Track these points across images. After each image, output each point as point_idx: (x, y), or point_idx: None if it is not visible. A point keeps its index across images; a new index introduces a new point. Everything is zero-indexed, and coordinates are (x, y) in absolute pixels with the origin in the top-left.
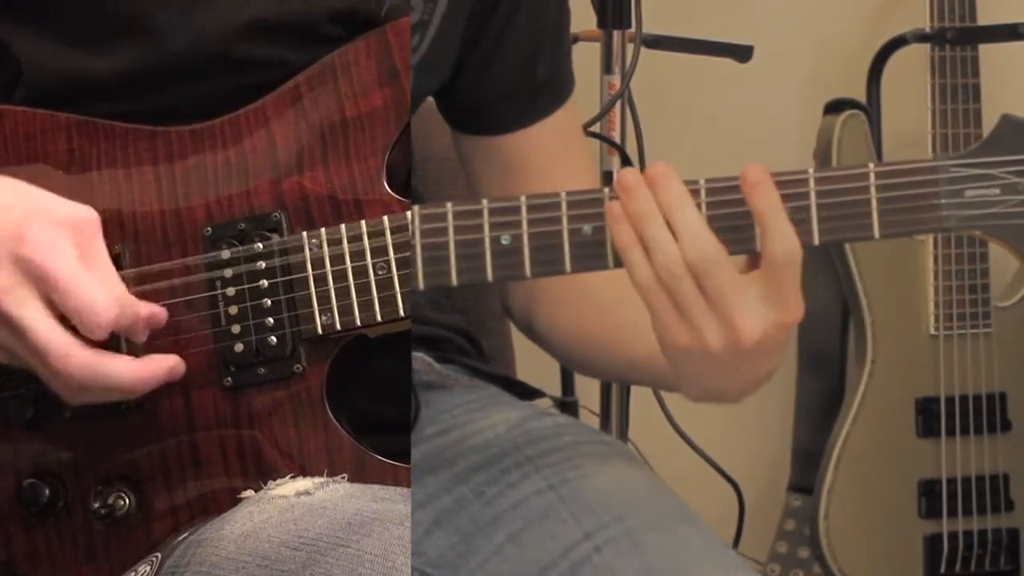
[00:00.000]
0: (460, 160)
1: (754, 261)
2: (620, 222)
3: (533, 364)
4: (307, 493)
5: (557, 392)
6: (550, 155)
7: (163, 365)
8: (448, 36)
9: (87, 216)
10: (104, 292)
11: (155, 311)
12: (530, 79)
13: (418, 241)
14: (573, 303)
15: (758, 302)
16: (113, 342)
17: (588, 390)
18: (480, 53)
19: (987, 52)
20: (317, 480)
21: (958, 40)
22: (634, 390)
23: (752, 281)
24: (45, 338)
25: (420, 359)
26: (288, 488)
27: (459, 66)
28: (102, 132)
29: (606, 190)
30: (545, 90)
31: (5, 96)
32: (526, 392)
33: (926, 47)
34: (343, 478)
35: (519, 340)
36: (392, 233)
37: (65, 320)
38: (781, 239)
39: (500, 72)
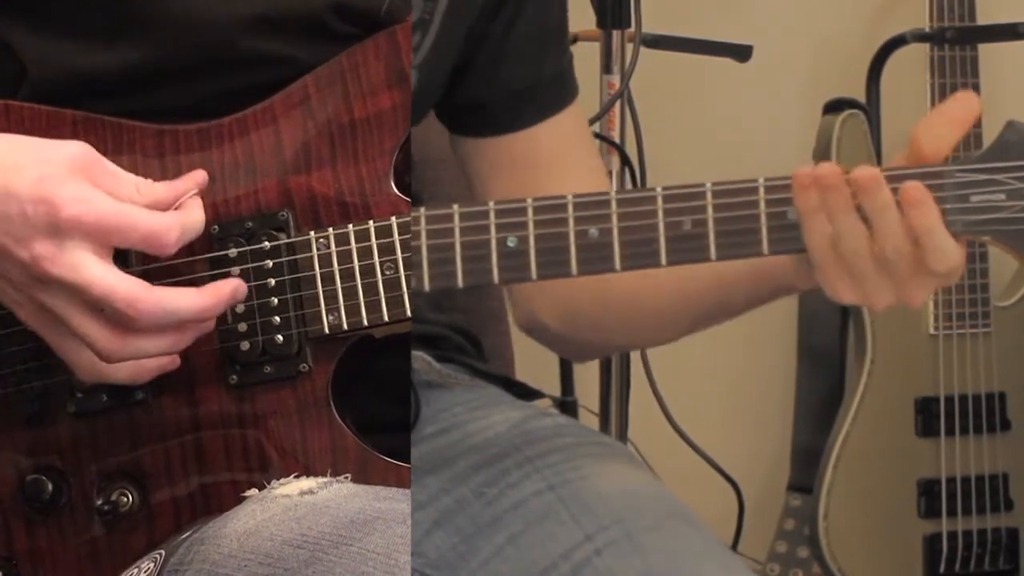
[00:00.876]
0: (459, 163)
1: None
2: (806, 189)
3: (533, 364)
4: (311, 492)
5: (557, 392)
6: (559, 153)
7: (226, 289)
8: (450, 35)
9: (84, 152)
10: (157, 214)
11: (196, 178)
12: (538, 76)
13: (424, 243)
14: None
15: (928, 276)
16: None
17: (588, 390)
18: (487, 52)
19: (987, 52)
20: (321, 479)
21: (957, 40)
22: (634, 390)
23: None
24: (108, 286)
25: (420, 358)
26: (292, 487)
27: (460, 67)
28: (109, 129)
29: (613, 193)
30: (552, 88)
31: (10, 95)
32: (525, 392)
33: (926, 47)
34: (347, 478)
35: (519, 340)
36: (400, 233)
37: None
38: (940, 257)
39: (508, 70)
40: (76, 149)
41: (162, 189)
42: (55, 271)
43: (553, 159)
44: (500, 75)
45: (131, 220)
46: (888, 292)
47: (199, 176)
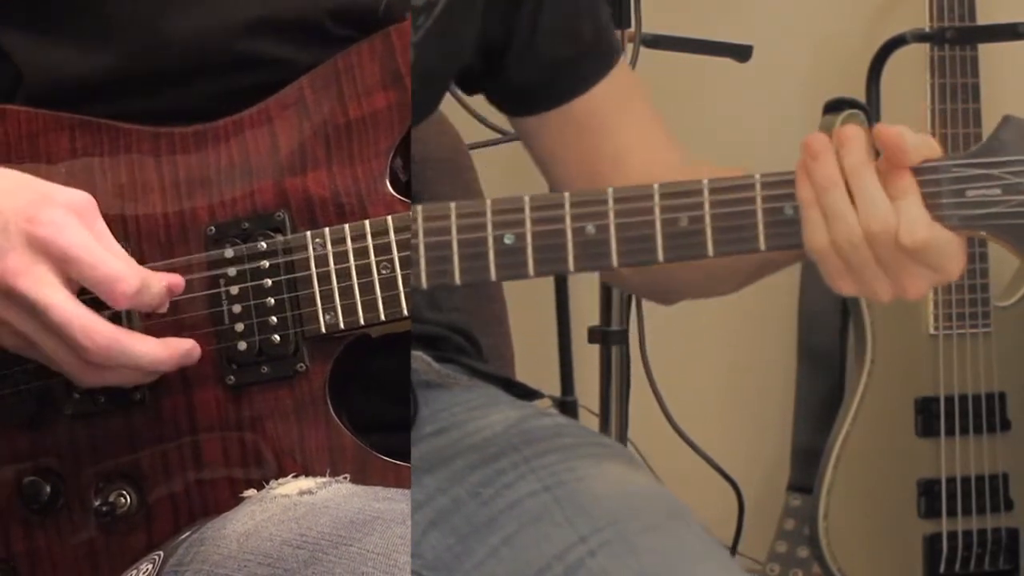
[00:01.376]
0: (526, 145)
1: None
2: (803, 180)
3: (533, 364)
4: (309, 492)
5: (557, 392)
6: (611, 116)
7: (181, 347)
8: (458, 17)
9: (85, 200)
10: (124, 263)
11: (173, 280)
12: (578, 44)
13: (421, 240)
14: None
15: (926, 269)
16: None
17: (588, 390)
18: (518, 36)
19: (987, 52)
20: (319, 479)
21: (957, 40)
22: (634, 390)
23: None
24: (66, 314)
25: (419, 358)
26: (290, 487)
27: (496, 50)
28: (105, 132)
29: (610, 190)
30: (594, 51)
31: (6, 98)
32: (525, 393)
33: (925, 47)
34: (345, 478)
35: (519, 340)
36: (396, 232)
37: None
38: (913, 229)
39: (545, 46)
40: (80, 196)
41: (133, 262)
42: (22, 286)
43: (614, 117)
44: (542, 52)
45: (96, 258)
46: (885, 283)
47: (175, 278)
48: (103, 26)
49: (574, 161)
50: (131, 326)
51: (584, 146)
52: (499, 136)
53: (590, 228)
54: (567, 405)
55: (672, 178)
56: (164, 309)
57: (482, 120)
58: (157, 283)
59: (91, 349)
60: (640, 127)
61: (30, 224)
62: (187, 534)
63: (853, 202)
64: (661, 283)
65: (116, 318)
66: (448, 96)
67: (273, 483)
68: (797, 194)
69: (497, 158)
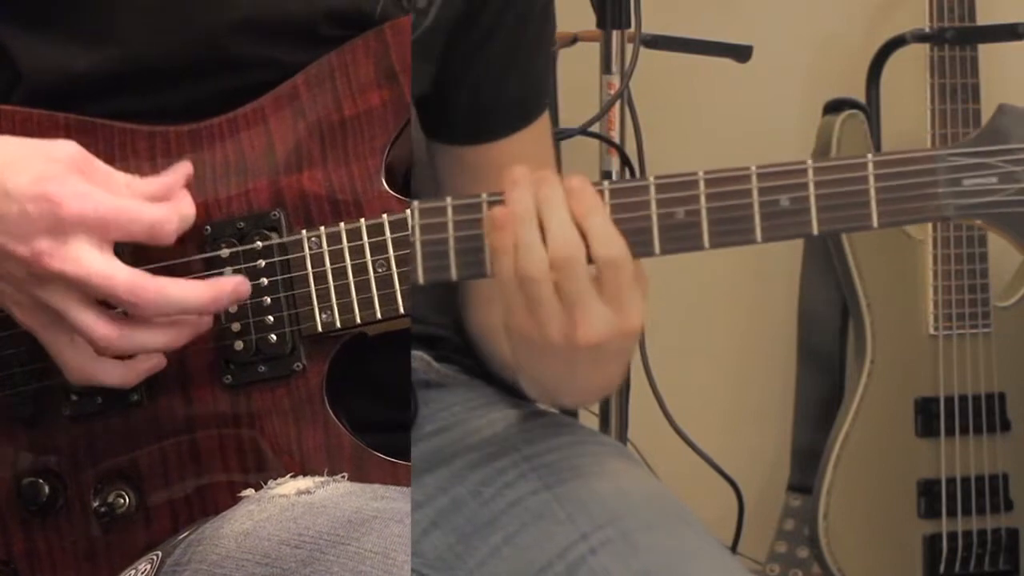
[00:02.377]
0: (433, 166)
1: None
2: (497, 229)
3: None
4: (307, 492)
5: None
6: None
7: (227, 284)
8: (430, 47)
9: (78, 151)
10: (154, 205)
11: (182, 172)
12: (500, 96)
13: (418, 236)
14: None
15: (603, 306)
16: None
17: None
18: (454, 66)
19: (986, 52)
20: (317, 479)
21: (957, 40)
22: (634, 390)
23: (600, 287)
24: (111, 276)
25: (419, 357)
26: (288, 487)
27: (435, 72)
28: (100, 131)
29: (605, 183)
30: (514, 107)
31: (3, 98)
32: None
33: (925, 47)
34: (343, 477)
35: None
36: (391, 231)
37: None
38: (603, 244)
39: (469, 87)
40: (70, 148)
41: (151, 184)
42: (56, 266)
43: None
44: (465, 88)
45: (132, 213)
46: (558, 319)
47: (185, 168)
48: (99, 26)
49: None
50: None
51: (468, 190)
52: None
53: None
54: None
55: None
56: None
57: None
58: (189, 208)
59: (138, 303)
60: None
61: (51, 204)
62: (185, 534)
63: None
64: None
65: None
66: None
67: (271, 483)
68: (490, 243)
69: None
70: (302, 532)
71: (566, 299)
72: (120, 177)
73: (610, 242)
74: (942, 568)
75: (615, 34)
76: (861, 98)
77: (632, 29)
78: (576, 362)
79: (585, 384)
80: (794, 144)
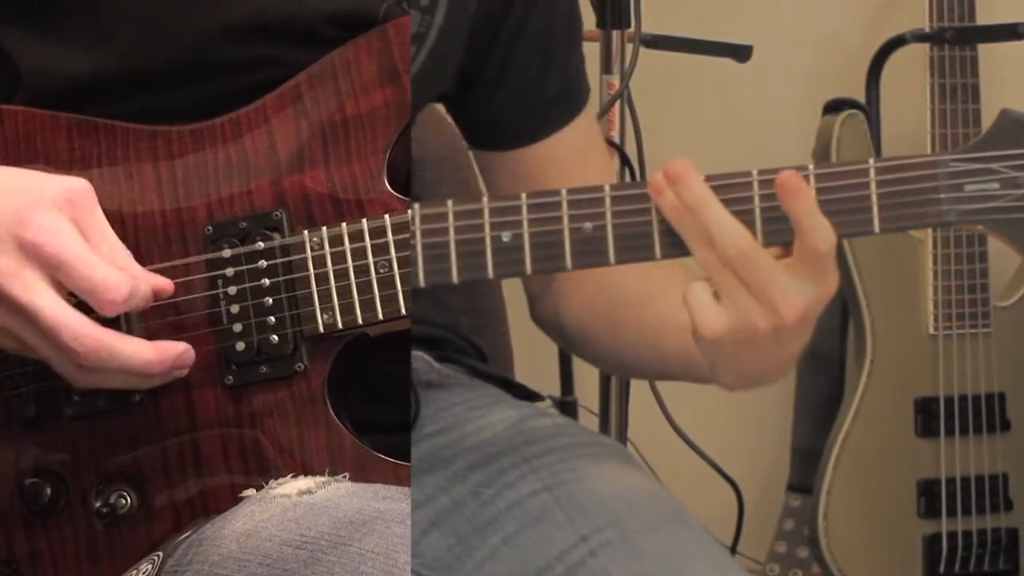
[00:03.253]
0: (482, 176)
1: (787, 249)
2: (663, 194)
3: (533, 364)
4: (309, 492)
5: (557, 392)
6: (568, 164)
7: (173, 350)
8: (445, 50)
9: (81, 187)
10: (114, 269)
11: (162, 284)
12: (541, 95)
13: (419, 239)
14: (603, 300)
15: (799, 282)
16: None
17: (588, 390)
18: (488, 72)
19: (986, 52)
20: (319, 479)
21: (957, 40)
22: (634, 390)
23: (791, 267)
24: (55, 318)
25: (420, 358)
26: (290, 487)
27: (467, 81)
28: (103, 132)
29: (607, 187)
30: (557, 104)
31: (5, 99)
32: (525, 394)
33: (925, 47)
34: (345, 477)
35: (518, 340)
36: (393, 231)
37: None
38: (821, 235)
39: (510, 90)
40: (76, 184)
41: (130, 263)
42: (11, 289)
43: (565, 168)
44: (506, 93)
45: (86, 265)
46: (758, 309)
47: (166, 283)
48: (101, 27)
49: None
50: (129, 328)
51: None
52: None
53: (588, 226)
54: (567, 405)
55: None
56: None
57: None
58: (146, 288)
59: (80, 352)
60: (591, 179)
61: (21, 228)
62: (187, 534)
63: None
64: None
65: (115, 320)
66: None
67: (272, 483)
68: (664, 211)
69: None
70: (304, 532)
71: (757, 288)
72: (110, 237)
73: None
74: (942, 568)
75: (615, 34)
76: (861, 98)
77: (632, 29)
78: (782, 342)
79: (789, 355)
80: (794, 144)
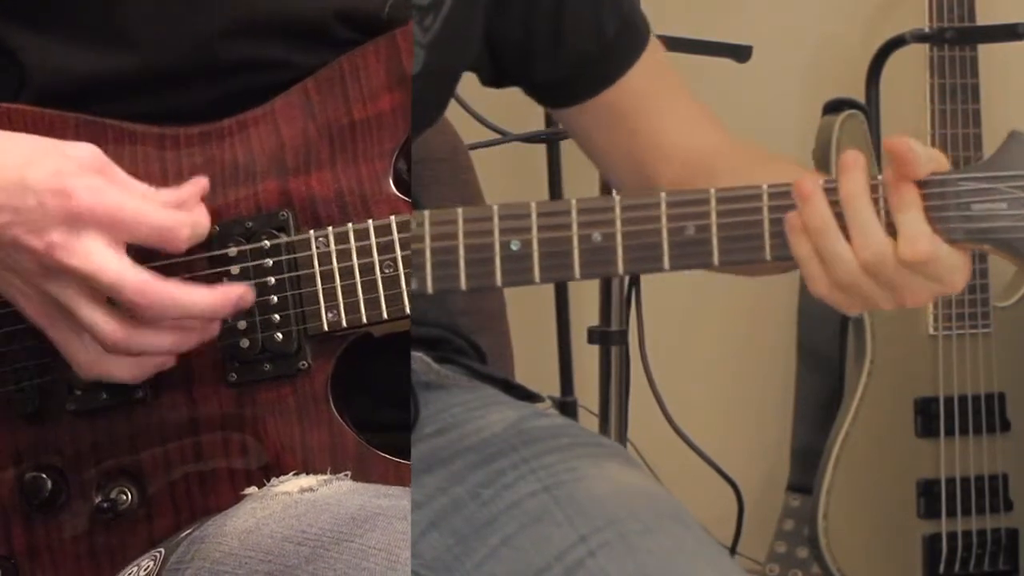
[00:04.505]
0: (571, 134)
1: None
2: (797, 233)
3: (533, 364)
4: (310, 490)
5: (557, 392)
6: (651, 92)
7: (235, 291)
8: (463, 18)
9: (96, 153)
10: (169, 211)
11: (204, 216)
12: (602, 38)
13: (428, 245)
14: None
15: (928, 280)
16: None
17: (588, 390)
18: (541, 34)
19: (986, 52)
20: (320, 477)
21: (957, 40)
22: (634, 390)
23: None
24: (118, 275)
25: (419, 359)
26: (291, 485)
27: (524, 52)
28: (111, 132)
29: (616, 197)
30: (620, 41)
31: (12, 98)
32: (525, 395)
33: (925, 47)
34: (346, 475)
35: (519, 340)
36: (399, 231)
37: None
38: (911, 244)
39: (571, 45)
40: (89, 151)
41: (167, 194)
42: (68, 260)
43: (647, 101)
44: (567, 49)
45: (144, 213)
46: (886, 298)
47: (202, 181)
48: (110, 27)
49: (613, 147)
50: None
51: (620, 132)
52: (499, 136)
53: (596, 235)
54: (567, 405)
55: (710, 160)
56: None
57: (482, 120)
58: (204, 218)
59: (145, 305)
60: (674, 107)
61: (66, 198)
62: (188, 531)
63: (847, 235)
64: None
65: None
66: None
67: (274, 480)
68: (792, 251)
69: (496, 158)
70: (305, 529)
71: (887, 286)
72: (138, 185)
73: (917, 242)
74: (942, 568)
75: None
76: (861, 98)
77: None
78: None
79: None
80: (794, 144)
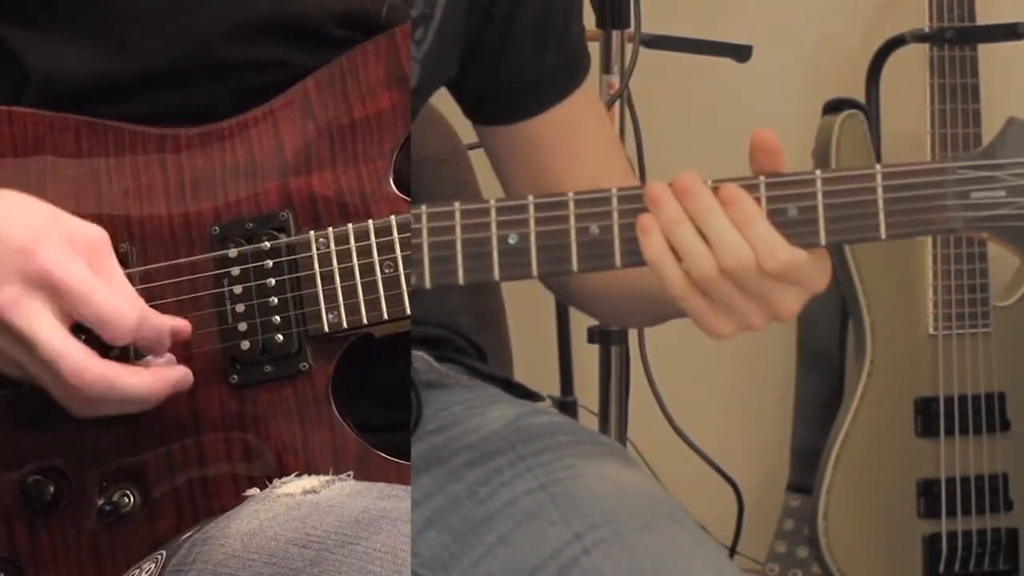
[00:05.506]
0: (485, 150)
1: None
2: (649, 233)
3: (532, 364)
4: (313, 491)
5: (557, 392)
6: (570, 133)
7: (172, 376)
8: (450, 30)
9: (97, 234)
10: (122, 299)
11: (179, 324)
12: (540, 68)
13: (425, 240)
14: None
15: (795, 287)
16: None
17: (588, 390)
18: (487, 48)
19: (986, 52)
20: (323, 478)
21: (957, 40)
22: (634, 390)
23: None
24: (57, 350)
25: (420, 358)
26: (294, 486)
27: (467, 60)
28: (111, 133)
29: (613, 190)
30: (556, 76)
31: (13, 100)
32: (525, 395)
33: (925, 47)
34: (348, 476)
35: (518, 340)
36: (399, 231)
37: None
38: (771, 255)
39: (509, 64)
40: (93, 230)
41: (143, 306)
42: (13, 319)
43: (566, 140)
44: (505, 67)
45: (94, 294)
46: (757, 311)
47: (182, 323)
48: (110, 28)
49: (523, 175)
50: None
51: (533, 164)
52: None
53: (594, 228)
54: (567, 405)
55: None
56: (163, 353)
57: None
58: (158, 321)
59: (80, 387)
60: (592, 150)
61: (26, 257)
62: (190, 533)
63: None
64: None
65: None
66: (447, 96)
67: (276, 482)
68: (644, 254)
69: None
70: (309, 532)
71: (756, 298)
72: (123, 282)
73: (775, 252)
74: (942, 568)
75: (615, 34)
76: (861, 98)
77: (632, 29)
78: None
79: None
80: (794, 144)
